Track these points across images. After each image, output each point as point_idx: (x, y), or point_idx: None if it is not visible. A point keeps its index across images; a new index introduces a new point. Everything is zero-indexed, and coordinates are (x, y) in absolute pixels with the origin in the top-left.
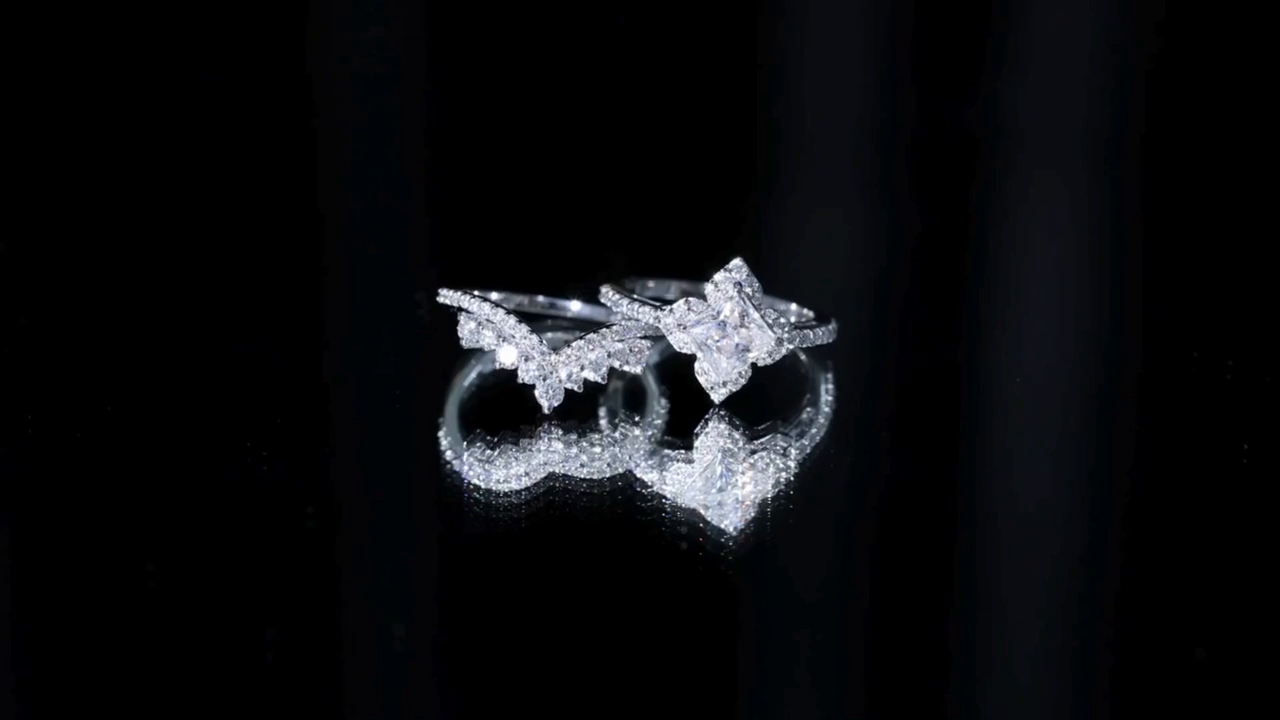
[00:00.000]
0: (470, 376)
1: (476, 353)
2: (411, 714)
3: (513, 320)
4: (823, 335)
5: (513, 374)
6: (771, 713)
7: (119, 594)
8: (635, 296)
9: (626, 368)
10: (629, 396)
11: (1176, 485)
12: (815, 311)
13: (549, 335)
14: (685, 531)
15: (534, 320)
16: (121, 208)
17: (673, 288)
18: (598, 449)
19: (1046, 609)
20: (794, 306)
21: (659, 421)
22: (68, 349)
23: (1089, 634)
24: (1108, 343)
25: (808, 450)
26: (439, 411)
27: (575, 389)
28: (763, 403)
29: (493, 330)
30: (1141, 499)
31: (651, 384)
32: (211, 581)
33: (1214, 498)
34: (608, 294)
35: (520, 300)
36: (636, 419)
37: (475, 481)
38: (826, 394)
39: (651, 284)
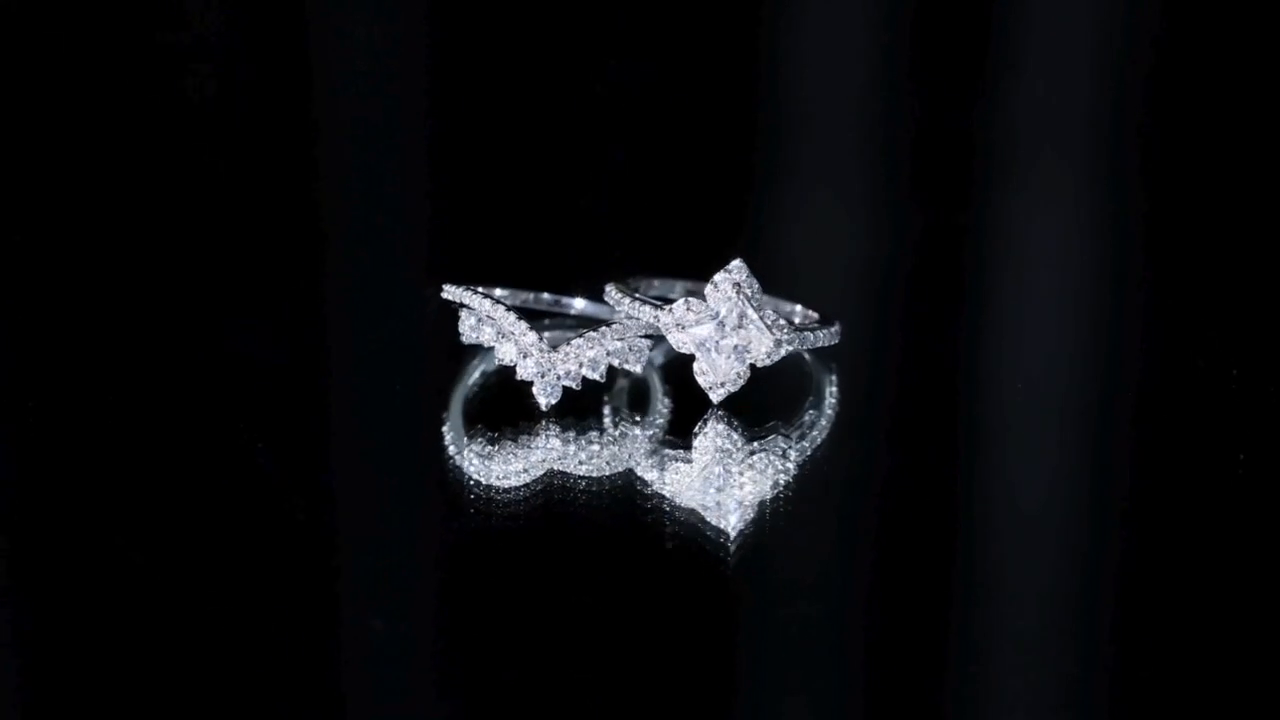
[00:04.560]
0: (475, 374)
1: (480, 350)
2: (403, 710)
3: (512, 317)
4: (824, 337)
5: (514, 370)
6: (765, 714)
7: (129, 586)
8: (637, 295)
9: (626, 366)
10: (634, 395)
11: (1178, 487)
12: (820, 314)
13: (549, 333)
14: (676, 531)
15: (539, 317)
16: (122, 204)
17: (677, 287)
18: (596, 446)
19: (1045, 611)
20: (798, 308)
21: (661, 421)
22: (67, 350)
23: (1088, 638)
24: (1111, 342)
25: (808, 452)
26: (443, 408)
27: (574, 386)
28: (766, 404)
29: (493, 327)
30: (1143, 502)
31: (656, 384)
32: (204, 574)
33: (1216, 501)
34: (611, 292)
35: (525, 297)
36: (638, 418)
37: (475, 477)
38: (830, 396)
39: (656, 283)
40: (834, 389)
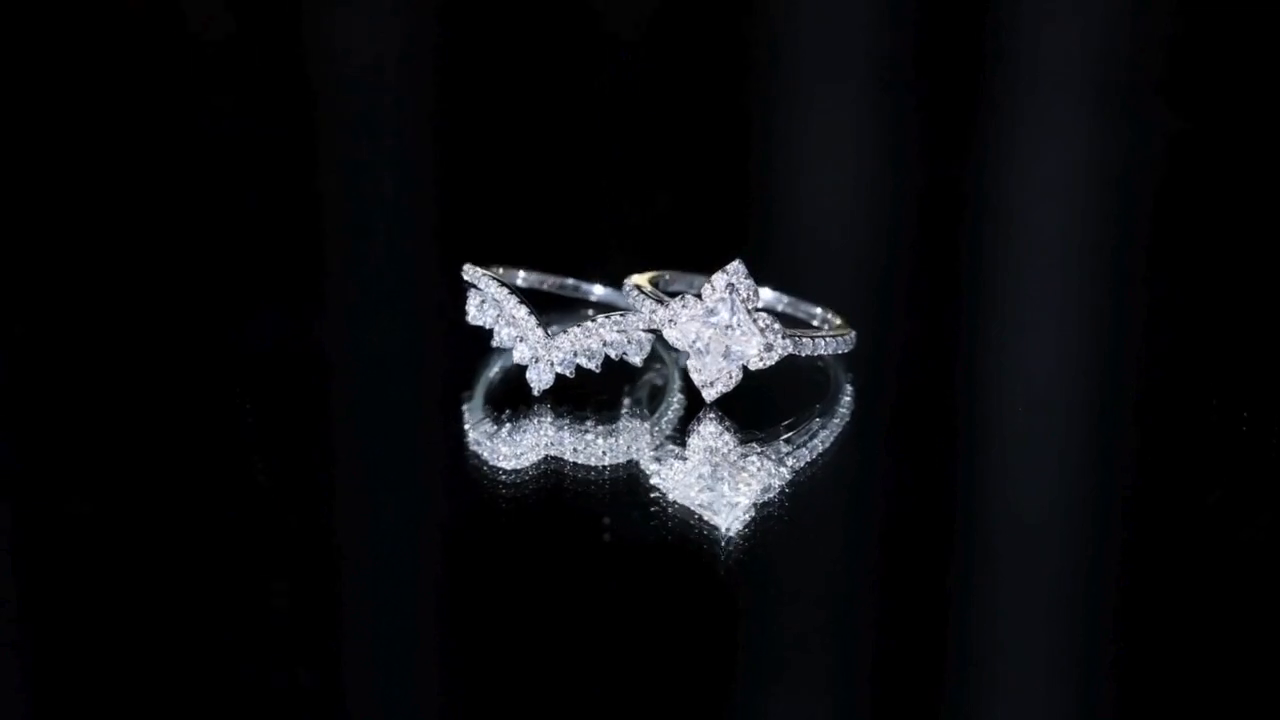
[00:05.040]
0: (499, 361)
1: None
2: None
3: (514, 300)
4: (825, 345)
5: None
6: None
7: (137, 563)
8: (645, 289)
9: (626, 358)
10: (655, 389)
11: (1182, 492)
12: (842, 320)
13: (560, 322)
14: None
15: (559, 302)
16: (129, 196)
17: (696, 283)
18: (591, 436)
19: (1046, 616)
20: (819, 310)
21: (670, 417)
22: (76, 345)
23: (1091, 645)
24: (1116, 348)
25: (806, 459)
26: (467, 389)
27: (568, 374)
28: (778, 406)
29: (496, 309)
30: (1148, 513)
31: (675, 380)
32: (202, 563)
33: (1220, 503)
34: (626, 283)
35: (549, 280)
36: (646, 411)
37: (482, 456)
38: (843, 406)
39: (674, 277)
40: (849, 399)
